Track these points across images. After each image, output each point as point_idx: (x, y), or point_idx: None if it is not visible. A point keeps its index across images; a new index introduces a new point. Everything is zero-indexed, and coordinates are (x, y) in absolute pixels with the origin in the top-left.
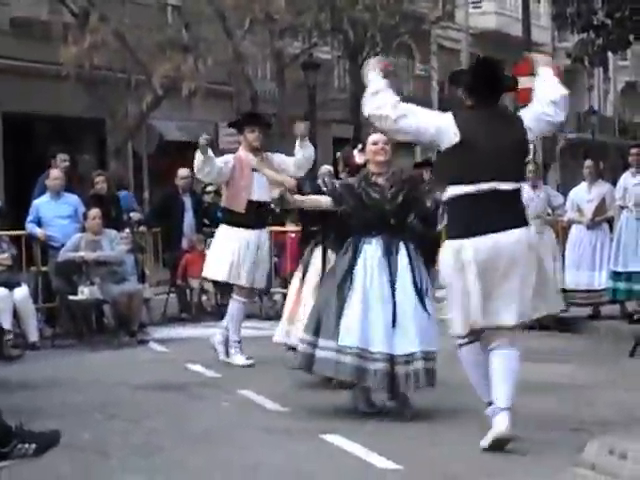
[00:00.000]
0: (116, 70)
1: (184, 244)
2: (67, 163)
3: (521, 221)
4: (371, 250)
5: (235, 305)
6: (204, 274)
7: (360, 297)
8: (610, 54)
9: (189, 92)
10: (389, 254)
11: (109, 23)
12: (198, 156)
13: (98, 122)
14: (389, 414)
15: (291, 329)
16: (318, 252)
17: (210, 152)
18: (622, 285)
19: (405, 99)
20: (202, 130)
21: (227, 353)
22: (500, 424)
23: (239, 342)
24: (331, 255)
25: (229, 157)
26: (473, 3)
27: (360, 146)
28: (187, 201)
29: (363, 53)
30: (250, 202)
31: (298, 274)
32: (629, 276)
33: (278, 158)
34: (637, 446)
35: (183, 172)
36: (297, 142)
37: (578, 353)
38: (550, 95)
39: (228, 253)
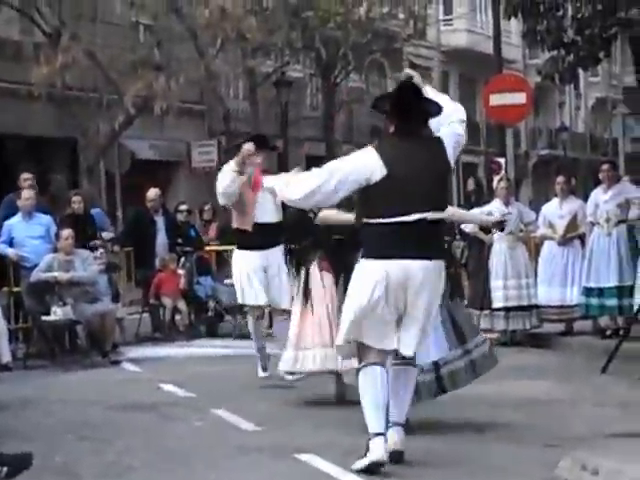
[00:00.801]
0: (88, 89)
1: (157, 263)
2: (30, 182)
3: (438, 253)
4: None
5: (249, 324)
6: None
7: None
8: (581, 71)
9: (161, 111)
10: None
11: (81, 42)
12: (232, 165)
13: (70, 141)
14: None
15: (298, 355)
16: (313, 273)
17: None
18: (594, 301)
19: (377, 116)
20: (175, 149)
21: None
22: (392, 438)
23: (261, 358)
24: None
25: (239, 180)
26: (444, 21)
27: None
28: (159, 220)
29: (335, 71)
30: (256, 224)
31: (297, 298)
32: (601, 292)
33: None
34: (609, 462)
35: (151, 194)
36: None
37: (551, 369)
38: (458, 114)
39: (237, 276)
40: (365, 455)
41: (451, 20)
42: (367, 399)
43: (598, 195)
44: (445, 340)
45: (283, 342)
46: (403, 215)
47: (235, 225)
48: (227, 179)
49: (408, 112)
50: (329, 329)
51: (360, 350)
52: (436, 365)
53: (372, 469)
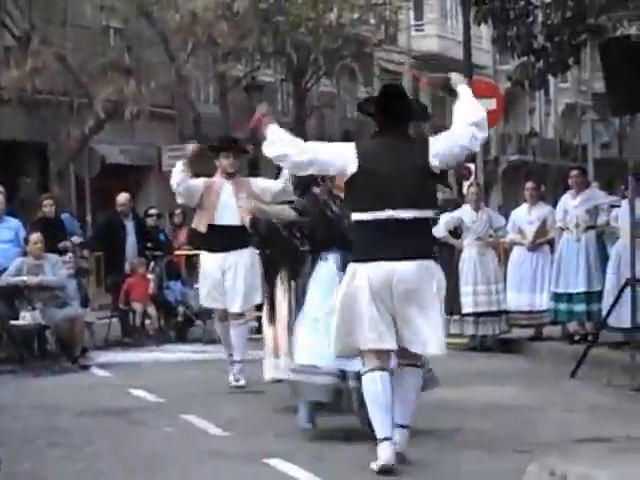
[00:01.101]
0: (58, 93)
1: (126, 268)
2: None
3: (422, 251)
4: (326, 267)
5: (217, 328)
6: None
7: (312, 314)
8: (550, 77)
9: (132, 115)
10: (344, 270)
11: (51, 46)
12: (179, 166)
13: (40, 145)
14: (333, 438)
15: (279, 362)
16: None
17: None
18: (563, 306)
19: (348, 121)
20: (145, 153)
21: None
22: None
23: (231, 363)
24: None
25: (200, 181)
26: (415, 26)
27: None
28: (129, 225)
29: (306, 76)
30: (211, 226)
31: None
32: (570, 297)
33: (257, 183)
34: (578, 468)
35: (121, 198)
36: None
37: (520, 374)
38: (470, 117)
39: (203, 281)
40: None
41: (422, 25)
42: (370, 405)
43: (567, 201)
44: None
45: (241, 348)
46: (375, 211)
47: (194, 226)
48: (174, 178)
49: (390, 112)
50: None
51: (361, 356)
52: None
53: (382, 473)
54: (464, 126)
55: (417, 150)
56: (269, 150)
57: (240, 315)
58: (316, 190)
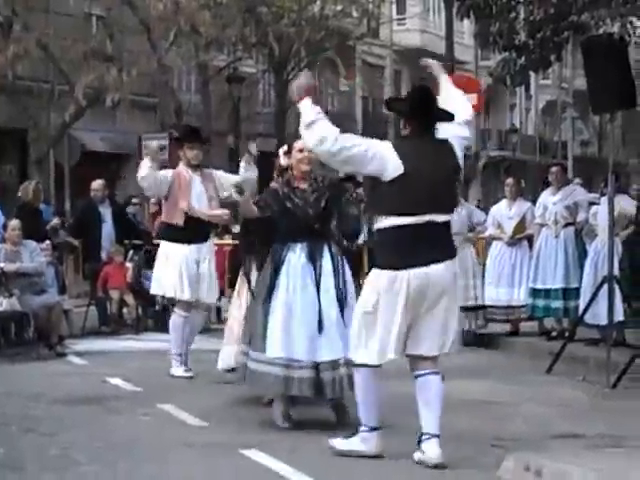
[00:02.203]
0: (39, 80)
1: (103, 256)
2: None
3: (450, 253)
4: (295, 257)
5: (175, 319)
6: (152, 291)
7: (283, 306)
8: (532, 73)
9: (113, 103)
10: (313, 260)
11: (33, 33)
12: (145, 162)
13: (20, 132)
14: (308, 429)
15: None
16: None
17: (155, 163)
18: (541, 302)
19: (328, 114)
20: (125, 141)
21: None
22: (433, 451)
23: (180, 355)
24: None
25: (168, 172)
26: (397, 20)
27: (286, 147)
28: (105, 212)
29: (288, 67)
30: (188, 217)
31: (237, 294)
32: (547, 293)
33: (219, 175)
34: (552, 463)
35: (95, 184)
36: (243, 163)
37: (496, 369)
38: (464, 115)
39: (170, 269)
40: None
41: (404, 20)
42: (360, 397)
43: (547, 197)
44: None
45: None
46: (415, 215)
47: (164, 218)
48: (140, 172)
49: (425, 115)
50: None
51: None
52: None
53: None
54: (463, 124)
55: (448, 153)
56: (310, 129)
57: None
58: (274, 184)
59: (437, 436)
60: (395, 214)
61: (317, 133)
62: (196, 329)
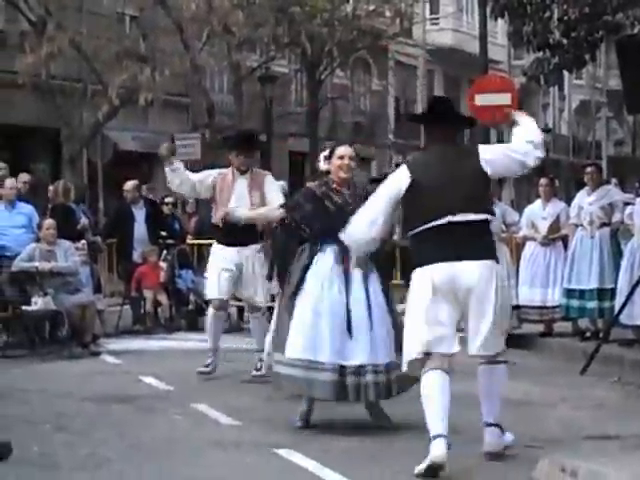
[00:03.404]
0: (72, 79)
1: (135, 256)
2: (4, 171)
3: (484, 253)
4: (324, 258)
5: (207, 316)
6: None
7: (311, 306)
8: (565, 73)
9: (145, 103)
10: (343, 263)
11: (66, 32)
12: (167, 172)
13: (53, 131)
14: (341, 428)
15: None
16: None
17: (177, 164)
18: (575, 303)
19: (361, 114)
20: (158, 141)
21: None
22: (487, 439)
23: (211, 350)
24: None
25: (213, 172)
26: (431, 20)
27: (327, 152)
28: (138, 213)
29: (320, 67)
30: (227, 221)
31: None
32: (582, 294)
33: (270, 188)
34: (588, 464)
35: (128, 185)
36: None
37: (530, 370)
38: (528, 136)
39: (210, 270)
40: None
41: (437, 19)
42: (428, 403)
43: (582, 197)
44: (392, 345)
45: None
46: (434, 220)
47: (213, 219)
48: (172, 184)
49: (440, 123)
50: None
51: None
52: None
53: (431, 472)
54: (521, 142)
55: (467, 156)
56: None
57: (259, 307)
58: (311, 184)
59: (492, 425)
60: (416, 224)
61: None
62: (256, 331)
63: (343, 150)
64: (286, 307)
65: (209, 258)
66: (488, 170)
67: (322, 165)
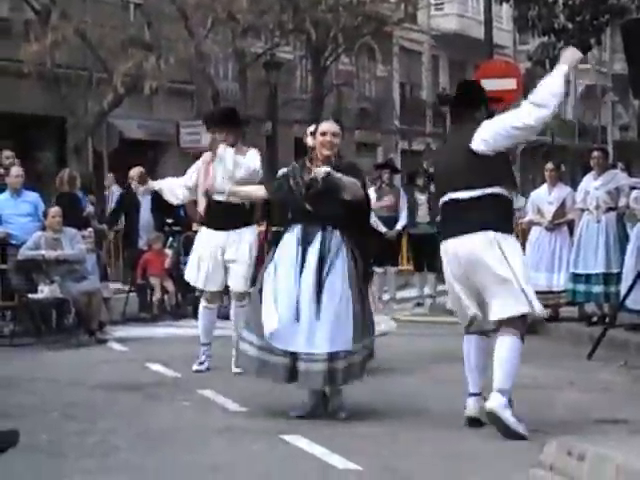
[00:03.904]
0: (77, 68)
1: (140, 244)
2: (11, 160)
3: (482, 225)
4: (288, 241)
5: (200, 308)
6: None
7: (268, 290)
8: None
9: (150, 90)
10: (305, 244)
11: (71, 20)
12: (164, 192)
13: (58, 120)
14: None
15: None
16: None
17: (153, 184)
18: (581, 287)
19: (367, 100)
20: (163, 129)
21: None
22: (489, 401)
23: (203, 345)
24: None
25: (193, 166)
26: (435, 5)
27: (312, 128)
28: (143, 200)
29: (325, 53)
30: (209, 203)
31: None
32: (588, 278)
33: (248, 156)
34: (595, 447)
35: (133, 172)
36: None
37: (537, 354)
38: (533, 96)
39: (194, 256)
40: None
41: (442, 4)
42: (465, 363)
43: (588, 182)
44: (351, 332)
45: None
46: (443, 195)
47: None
48: (176, 201)
49: (456, 106)
50: None
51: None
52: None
53: (471, 423)
54: (523, 105)
55: (465, 135)
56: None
57: (243, 294)
58: (291, 166)
59: (498, 391)
60: (436, 200)
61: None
62: (234, 319)
63: (326, 127)
64: (257, 288)
65: (195, 242)
66: (482, 147)
67: (309, 141)
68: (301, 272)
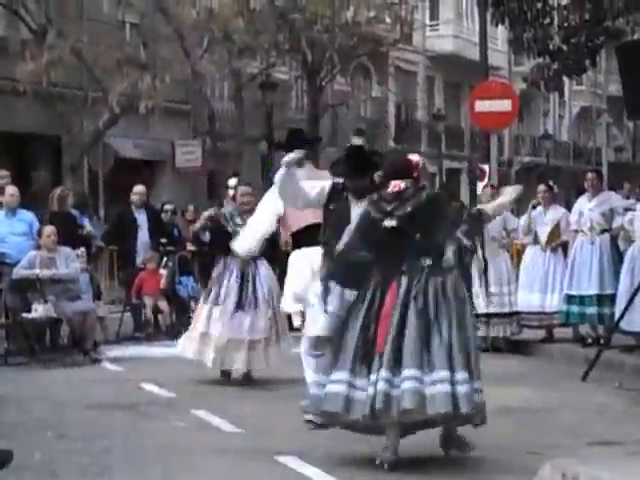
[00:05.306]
0: (73, 87)
1: (138, 261)
2: (6, 180)
3: None
4: None
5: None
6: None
7: None
8: (566, 79)
9: (146, 110)
10: None
11: (67, 40)
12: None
13: (54, 139)
14: (342, 437)
15: None
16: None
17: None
18: (575, 308)
19: (362, 120)
20: (159, 148)
21: None
22: None
23: None
24: None
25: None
26: (430, 26)
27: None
28: (140, 218)
29: (321, 74)
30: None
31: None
32: (582, 299)
33: None
34: (588, 469)
35: (137, 188)
36: None
37: (531, 376)
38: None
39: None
40: None
41: (437, 25)
42: None
43: (583, 203)
44: None
45: None
46: None
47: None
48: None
49: None
50: None
51: None
52: None
53: None
54: None
55: None
56: None
57: None
58: None
59: None
60: None
61: None
62: None
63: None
64: None
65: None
66: None
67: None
68: None
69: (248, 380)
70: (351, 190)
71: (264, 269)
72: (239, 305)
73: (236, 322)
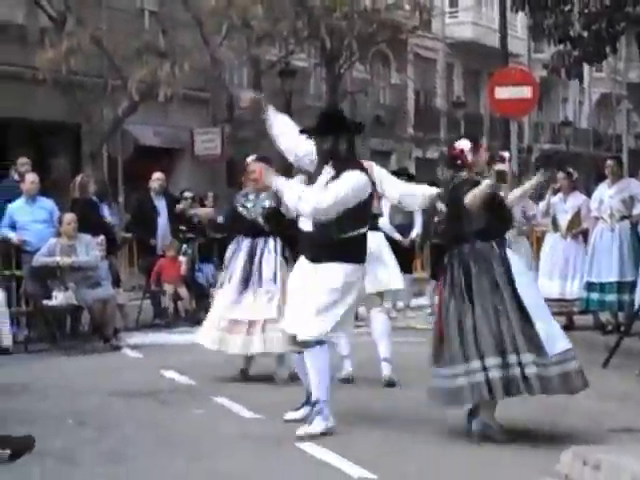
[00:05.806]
0: (92, 75)
1: (158, 248)
2: (27, 167)
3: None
4: None
5: None
6: None
7: None
8: (585, 66)
9: (165, 98)
10: None
11: (86, 28)
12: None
13: (73, 126)
14: (363, 421)
15: None
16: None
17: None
18: (595, 296)
19: (381, 107)
20: (178, 136)
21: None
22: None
23: None
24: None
25: None
26: (450, 13)
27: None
28: (160, 205)
29: (340, 61)
30: None
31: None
32: (602, 287)
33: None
34: (610, 457)
35: (157, 174)
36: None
37: None
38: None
39: None
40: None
41: (457, 12)
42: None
43: (603, 190)
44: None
45: None
46: None
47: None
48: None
49: None
50: None
51: None
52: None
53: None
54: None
55: None
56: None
57: None
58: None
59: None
60: None
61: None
62: None
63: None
64: None
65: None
66: None
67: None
68: None
69: (245, 377)
70: (317, 153)
71: (272, 246)
72: (244, 284)
73: (239, 302)
